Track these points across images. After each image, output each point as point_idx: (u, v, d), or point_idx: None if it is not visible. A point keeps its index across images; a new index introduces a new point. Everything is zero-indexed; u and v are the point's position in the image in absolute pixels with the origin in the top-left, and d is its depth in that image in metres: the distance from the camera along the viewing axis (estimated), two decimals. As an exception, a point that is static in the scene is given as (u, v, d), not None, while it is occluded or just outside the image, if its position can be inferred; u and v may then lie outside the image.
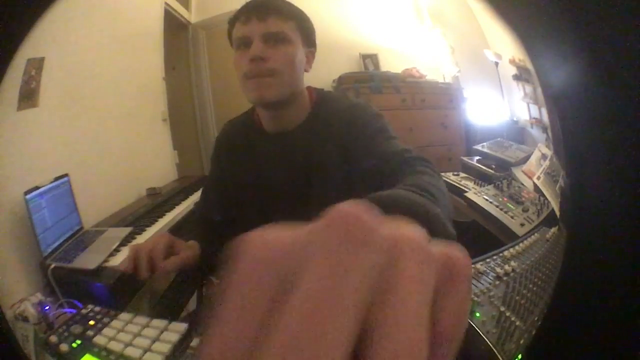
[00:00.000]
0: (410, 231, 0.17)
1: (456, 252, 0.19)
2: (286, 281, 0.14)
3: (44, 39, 0.84)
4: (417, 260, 0.16)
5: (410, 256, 0.15)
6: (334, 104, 0.81)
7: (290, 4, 0.73)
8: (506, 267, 0.71)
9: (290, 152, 0.78)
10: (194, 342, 0.59)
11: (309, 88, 0.80)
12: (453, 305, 0.18)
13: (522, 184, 0.97)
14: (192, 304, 1.20)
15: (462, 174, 1.14)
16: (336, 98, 0.84)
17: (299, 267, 0.14)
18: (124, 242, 0.97)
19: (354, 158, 0.75)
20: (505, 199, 0.95)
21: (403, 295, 0.14)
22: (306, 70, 0.77)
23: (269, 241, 0.16)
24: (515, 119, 1.05)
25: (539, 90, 0.85)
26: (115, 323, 0.65)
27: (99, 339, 0.61)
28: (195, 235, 0.84)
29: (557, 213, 0.76)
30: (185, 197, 1.28)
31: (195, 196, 1.30)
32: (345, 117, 0.78)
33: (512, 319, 0.58)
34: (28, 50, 0.75)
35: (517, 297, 0.63)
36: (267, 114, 0.78)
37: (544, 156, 0.89)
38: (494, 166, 1.08)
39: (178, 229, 1.15)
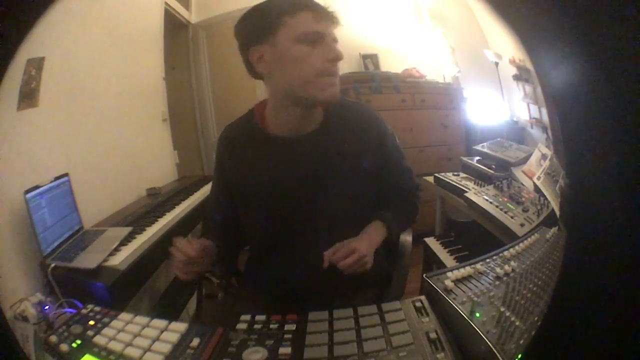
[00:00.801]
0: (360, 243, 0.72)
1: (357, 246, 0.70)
2: None
3: (44, 39, 0.84)
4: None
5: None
6: (348, 110, 0.82)
7: None
8: (506, 267, 0.71)
9: (306, 156, 0.77)
10: (194, 342, 0.59)
11: None
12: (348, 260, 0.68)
13: (522, 184, 0.97)
14: (192, 304, 1.20)
15: (462, 174, 1.14)
16: (348, 104, 0.84)
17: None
18: (124, 242, 0.97)
19: (369, 165, 0.79)
20: (505, 199, 0.95)
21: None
22: None
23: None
24: (515, 119, 1.05)
25: (539, 90, 0.85)
26: (115, 323, 0.65)
27: (99, 339, 0.61)
28: (209, 237, 0.82)
29: (557, 213, 0.76)
30: (185, 197, 1.28)
31: (196, 196, 1.31)
32: (363, 123, 0.81)
33: (512, 319, 0.58)
34: (28, 50, 0.75)
35: (517, 297, 0.63)
36: (301, 114, 0.75)
37: (544, 156, 0.89)
38: (494, 166, 1.08)
39: (178, 229, 1.15)
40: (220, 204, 0.88)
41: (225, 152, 0.84)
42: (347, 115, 0.80)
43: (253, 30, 0.71)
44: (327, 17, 0.71)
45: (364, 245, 0.72)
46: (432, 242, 1.12)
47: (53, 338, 0.62)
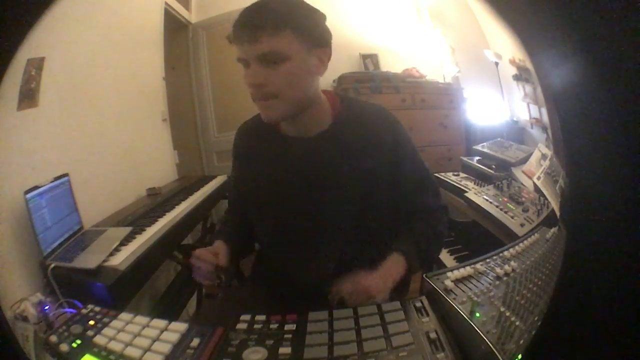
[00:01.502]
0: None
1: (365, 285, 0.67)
2: None
3: (44, 39, 0.84)
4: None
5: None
6: (362, 112, 0.80)
7: (282, 11, 0.65)
8: (506, 267, 0.71)
9: (312, 157, 0.75)
10: (194, 342, 0.59)
11: (328, 92, 0.77)
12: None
13: (522, 184, 0.97)
14: (192, 304, 1.20)
15: (462, 174, 1.14)
16: (361, 105, 0.82)
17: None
18: (124, 242, 0.97)
19: (378, 171, 0.76)
20: (505, 199, 0.95)
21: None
22: (319, 74, 0.71)
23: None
24: (515, 119, 1.05)
25: (539, 90, 0.85)
26: (115, 323, 0.65)
27: (99, 339, 0.61)
28: (221, 234, 0.82)
29: (557, 213, 0.76)
30: (185, 197, 1.28)
31: (196, 196, 1.30)
32: (379, 128, 0.77)
33: (512, 319, 0.58)
34: (28, 50, 0.75)
35: (517, 297, 0.63)
36: (284, 123, 0.76)
37: (544, 156, 0.89)
38: (494, 166, 1.08)
39: (178, 229, 1.15)
40: (238, 198, 0.89)
41: (240, 145, 0.84)
42: (361, 117, 0.78)
43: None
44: (247, 34, 0.64)
45: (376, 285, 0.67)
46: (432, 242, 1.12)
47: (53, 338, 0.62)
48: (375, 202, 0.78)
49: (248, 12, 0.65)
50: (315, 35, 0.68)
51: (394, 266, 0.72)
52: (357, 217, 0.77)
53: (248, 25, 0.64)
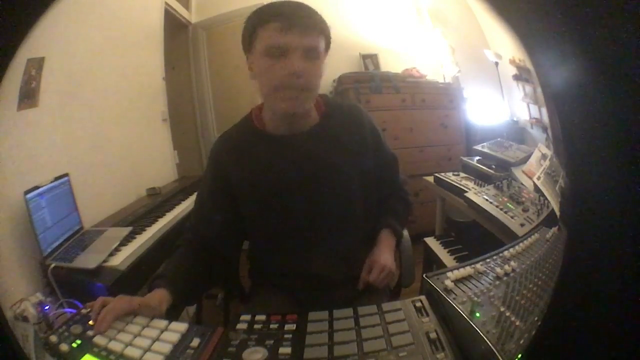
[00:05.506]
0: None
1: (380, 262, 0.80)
2: None
3: (44, 39, 0.84)
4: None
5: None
6: (343, 109, 0.85)
7: (320, 16, 0.72)
8: (506, 267, 0.71)
9: (303, 153, 0.78)
10: (194, 342, 0.59)
11: None
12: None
13: (522, 184, 0.97)
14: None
15: (462, 174, 1.14)
16: (339, 103, 0.87)
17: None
18: (124, 242, 0.97)
19: (366, 162, 0.82)
20: (505, 199, 0.95)
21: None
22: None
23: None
24: (515, 119, 1.05)
25: (539, 90, 0.85)
26: (115, 323, 0.65)
27: (99, 339, 0.61)
28: (164, 279, 0.76)
29: (557, 213, 0.76)
30: (185, 197, 1.28)
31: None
32: (359, 122, 0.83)
33: (512, 319, 0.58)
34: (28, 50, 0.75)
35: (517, 297, 0.63)
36: (285, 120, 0.78)
37: (544, 156, 0.89)
38: (494, 166, 1.08)
39: (178, 229, 1.15)
40: (218, 205, 0.83)
41: (226, 156, 0.82)
42: (343, 114, 0.83)
43: (243, 39, 0.75)
44: (297, 27, 0.68)
45: (389, 259, 0.81)
46: (432, 242, 1.13)
47: (53, 338, 0.62)
48: (367, 186, 0.83)
49: (296, 7, 0.70)
50: (329, 45, 0.76)
51: (389, 239, 0.86)
52: (349, 208, 0.81)
53: (300, 17, 0.69)
